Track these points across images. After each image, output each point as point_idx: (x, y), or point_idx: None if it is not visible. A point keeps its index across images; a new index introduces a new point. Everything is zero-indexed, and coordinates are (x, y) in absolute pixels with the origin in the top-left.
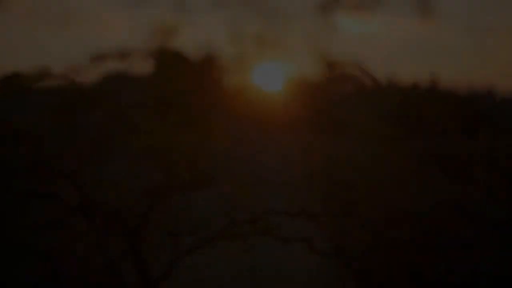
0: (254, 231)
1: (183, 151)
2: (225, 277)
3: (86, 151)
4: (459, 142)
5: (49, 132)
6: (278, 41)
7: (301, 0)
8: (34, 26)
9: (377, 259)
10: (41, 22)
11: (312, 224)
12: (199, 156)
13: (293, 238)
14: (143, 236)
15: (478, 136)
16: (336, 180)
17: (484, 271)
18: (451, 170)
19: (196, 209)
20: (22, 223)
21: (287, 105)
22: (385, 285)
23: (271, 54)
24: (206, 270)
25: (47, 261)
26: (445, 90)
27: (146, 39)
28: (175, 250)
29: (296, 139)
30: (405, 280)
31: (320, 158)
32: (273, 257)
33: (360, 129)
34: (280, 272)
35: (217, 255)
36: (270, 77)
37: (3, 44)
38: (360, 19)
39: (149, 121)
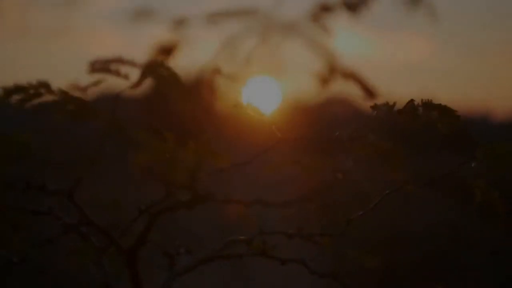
0: (250, 252)
1: (181, 170)
2: None
3: (83, 168)
4: (458, 162)
5: (46, 148)
6: (276, 59)
7: (298, 16)
8: (29, 42)
9: (375, 280)
10: (36, 38)
11: (309, 245)
12: (197, 175)
13: (290, 259)
14: (139, 255)
15: (476, 158)
16: (334, 200)
17: None
18: (449, 191)
19: (192, 229)
20: (16, 239)
21: (285, 125)
22: None
23: (268, 73)
24: None
25: (41, 278)
26: (444, 110)
27: (142, 56)
28: (171, 269)
29: (293, 158)
30: None
31: (318, 178)
32: (270, 278)
33: (358, 148)
34: None
35: (213, 274)
36: (267, 96)
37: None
38: (357, 38)
39: (147, 138)
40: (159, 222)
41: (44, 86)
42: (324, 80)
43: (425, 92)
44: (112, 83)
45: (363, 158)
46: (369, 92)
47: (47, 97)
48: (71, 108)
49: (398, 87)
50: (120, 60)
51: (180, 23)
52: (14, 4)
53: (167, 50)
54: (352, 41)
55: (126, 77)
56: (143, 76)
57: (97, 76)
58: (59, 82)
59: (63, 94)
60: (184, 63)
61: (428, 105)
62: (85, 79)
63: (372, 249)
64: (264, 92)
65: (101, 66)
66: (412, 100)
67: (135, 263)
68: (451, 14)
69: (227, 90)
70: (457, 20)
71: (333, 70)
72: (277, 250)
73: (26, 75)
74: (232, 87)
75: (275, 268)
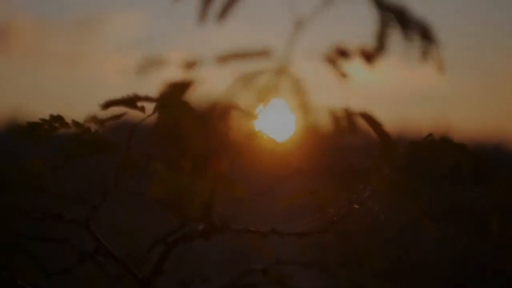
0: (266, 282)
1: (196, 201)
2: None
3: (99, 197)
4: (474, 192)
5: (62, 178)
6: (288, 90)
7: (308, 49)
8: (43, 66)
9: None
10: (50, 62)
11: (325, 275)
12: (213, 206)
13: None
14: (155, 285)
15: (492, 188)
16: (350, 230)
17: None
18: (465, 221)
19: (208, 258)
20: (31, 267)
21: (300, 154)
22: None
23: (281, 103)
24: None
25: None
26: (458, 139)
27: (155, 87)
28: None
29: (309, 188)
30: None
31: (334, 208)
32: None
33: (374, 178)
34: None
35: None
36: (281, 125)
37: (9, 87)
38: (367, 68)
39: (162, 169)
40: (174, 250)
41: (58, 120)
42: (344, 131)
43: (438, 120)
44: (129, 113)
45: (379, 189)
46: (388, 142)
47: (62, 131)
48: (86, 141)
49: (410, 114)
50: (136, 98)
51: (191, 65)
52: (28, 28)
53: (180, 89)
54: (358, 71)
55: (142, 109)
56: (163, 113)
57: (112, 110)
58: (73, 107)
59: (78, 127)
60: (196, 98)
61: (445, 142)
62: (98, 105)
63: (386, 279)
64: (278, 121)
65: (115, 104)
66: (430, 134)
67: None
68: (464, 41)
69: (240, 120)
70: (470, 46)
71: (351, 123)
72: (295, 281)
73: (40, 100)
74: (246, 117)
75: None
